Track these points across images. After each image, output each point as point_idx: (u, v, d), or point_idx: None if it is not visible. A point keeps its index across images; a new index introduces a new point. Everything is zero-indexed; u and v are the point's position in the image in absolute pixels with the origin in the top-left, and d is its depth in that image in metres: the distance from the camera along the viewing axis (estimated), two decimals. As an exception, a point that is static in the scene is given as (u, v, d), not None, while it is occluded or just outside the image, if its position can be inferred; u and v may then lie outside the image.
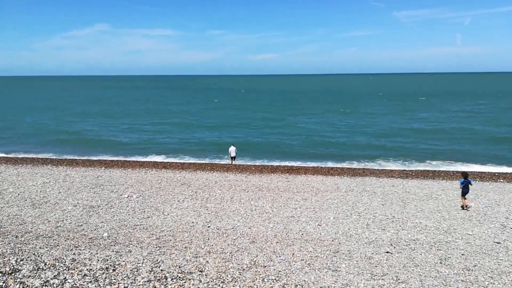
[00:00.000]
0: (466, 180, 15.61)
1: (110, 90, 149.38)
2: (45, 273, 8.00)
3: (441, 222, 13.80)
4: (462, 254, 10.81)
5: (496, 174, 23.26)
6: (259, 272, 9.17)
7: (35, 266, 8.28)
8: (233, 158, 27.05)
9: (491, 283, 9.04)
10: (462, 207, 15.58)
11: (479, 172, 24.32)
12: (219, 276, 8.73)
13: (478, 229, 13.09)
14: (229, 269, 9.22)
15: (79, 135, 41.53)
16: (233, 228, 12.84)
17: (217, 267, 9.33)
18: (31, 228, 12.30)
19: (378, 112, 61.14)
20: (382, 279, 9.07)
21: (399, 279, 9.08)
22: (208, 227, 12.96)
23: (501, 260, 10.47)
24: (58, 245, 10.47)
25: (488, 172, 24.11)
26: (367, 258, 10.42)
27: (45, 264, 8.54)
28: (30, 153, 31.79)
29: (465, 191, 15.49)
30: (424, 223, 13.66)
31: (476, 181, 20.20)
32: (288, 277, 8.97)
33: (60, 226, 12.69)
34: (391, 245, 11.50)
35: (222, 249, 10.79)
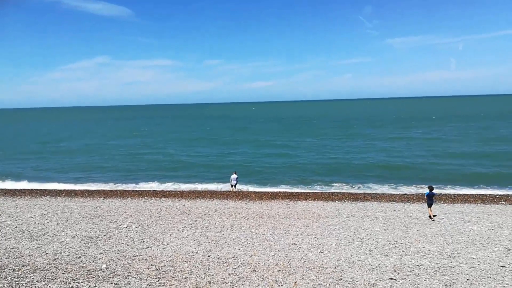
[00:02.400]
0: (431, 192, 17.61)
1: (104, 122, 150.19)
2: (42, 307, 7.82)
3: (444, 246, 13.63)
4: (467, 279, 10.63)
5: (498, 196, 23.15)
6: (261, 302, 8.98)
7: (32, 301, 8.10)
8: (233, 186, 26.96)
9: (498, 308, 8.86)
10: (430, 217, 17.45)
11: (480, 194, 24.21)
12: (220, 307, 8.55)
13: (482, 253, 12.92)
14: (230, 300, 9.03)
15: (79, 165, 41.47)
16: (233, 257, 12.65)
17: (218, 297, 9.14)
18: (29, 261, 12.10)
19: (375, 136, 61.40)
20: (387, 307, 8.87)
21: (404, 307, 8.89)
22: (208, 256, 12.77)
23: (506, 284, 10.29)
24: (56, 278, 10.28)
25: (490, 195, 23.99)
26: (371, 285, 10.24)
27: (43, 298, 8.35)
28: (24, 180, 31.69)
29: (429, 202, 17.57)
30: (427, 247, 13.49)
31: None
32: (291, 306, 8.78)
33: (58, 258, 12.49)
34: (395, 271, 11.31)
35: (223, 279, 10.59)
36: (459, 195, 24.07)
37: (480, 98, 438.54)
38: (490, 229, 15.70)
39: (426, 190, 18.10)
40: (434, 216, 17.74)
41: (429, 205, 17.62)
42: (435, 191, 18.38)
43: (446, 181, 29.16)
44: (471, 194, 24.28)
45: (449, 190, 26.46)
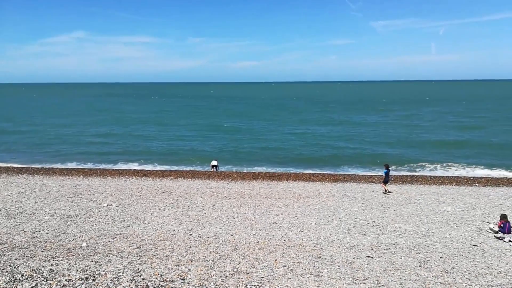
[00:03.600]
0: (387, 170, 19.62)
1: (86, 99, 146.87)
2: (22, 284, 7.77)
3: (419, 226, 14.08)
4: (441, 257, 11.05)
5: (472, 179, 23.92)
6: (242, 279, 9.14)
7: (11, 278, 8.03)
8: (214, 167, 27.00)
9: (468, 285, 9.27)
10: (384, 191, 19.40)
11: (455, 176, 24.96)
12: (201, 284, 8.66)
13: (455, 232, 13.41)
14: (211, 277, 9.16)
15: (55, 144, 40.58)
16: (215, 236, 12.77)
17: (199, 275, 9.26)
18: (6, 239, 11.92)
19: (356, 118, 62.12)
20: (364, 283, 9.18)
21: (380, 283, 9.21)
22: (190, 235, 12.85)
23: (477, 262, 10.75)
24: (35, 256, 10.18)
25: (464, 177, 24.77)
26: (349, 262, 10.53)
27: (22, 275, 8.29)
28: (2, 161, 30.90)
29: (386, 179, 19.59)
30: (403, 227, 13.91)
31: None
32: (271, 283, 8.97)
33: (36, 236, 12.35)
34: (372, 249, 11.66)
35: (204, 257, 10.71)
36: (435, 177, 24.76)
37: (461, 83, 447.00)
38: (463, 210, 16.28)
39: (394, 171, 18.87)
40: (389, 192, 19.48)
41: (385, 182, 19.64)
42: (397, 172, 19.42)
43: (422, 163, 29.90)
44: (446, 176, 25.01)
45: (426, 172, 27.17)
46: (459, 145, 37.97)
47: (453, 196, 18.84)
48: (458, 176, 25.09)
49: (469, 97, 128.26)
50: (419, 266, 10.38)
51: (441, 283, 9.33)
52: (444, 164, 29.70)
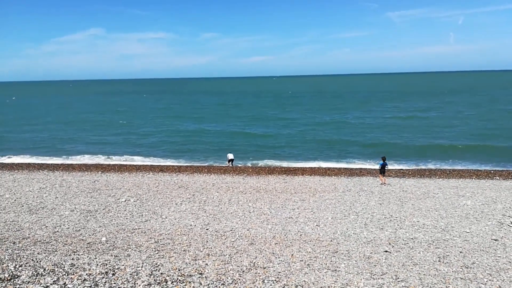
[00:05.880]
0: (384, 162, 19.81)
1: (97, 96, 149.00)
2: (44, 278, 7.96)
3: (438, 220, 13.86)
4: (460, 252, 10.86)
5: (492, 172, 23.42)
6: (259, 273, 9.17)
7: (34, 272, 8.22)
8: (230, 161, 27.13)
9: (489, 280, 9.09)
10: (382, 183, 19.75)
11: (475, 170, 24.47)
12: (219, 278, 8.72)
13: (475, 226, 13.16)
14: (229, 271, 9.21)
15: (74, 141, 41.36)
16: (231, 230, 12.84)
17: (216, 269, 9.32)
18: (29, 234, 12.23)
19: (371, 111, 61.34)
20: (382, 278, 9.09)
21: (398, 278, 9.11)
22: (207, 229, 12.95)
23: (499, 257, 10.53)
24: (56, 251, 10.42)
25: (484, 170, 24.27)
26: (366, 257, 10.45)
27: (44, 269, 8.48)
28: (25, 155, 31.67)
29: (382, 171, 19.93)
30: (421, 221, 13.72)
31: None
32: (288, 278, 8.97)
33: (57, 231, 12.63)
34: (390, 244, 11.54)
35: (221, 251, 10.77)
36: (454, 170, 24.33)
37: (481, 73, 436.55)
38: (484, 204, 15.95)
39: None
40: (384, 184, 19.84)
41: (382, 173, 20.01)
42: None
43: (443, 157, 29.38)
44: (466, 170, 24.54)
45: (445, 166, 26.70)
46: (484, 137, 37.13)
47: (473, 189, 18.48)
48: (478, 170, 24.59)
49: (491, 87, 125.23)
50: (439, 261, 10.22)
51: (461, 278, 9.17)
52: (463, 156, 29.13)
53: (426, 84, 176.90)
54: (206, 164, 28.39)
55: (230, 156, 27.36)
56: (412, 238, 12.02)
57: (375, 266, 9.85)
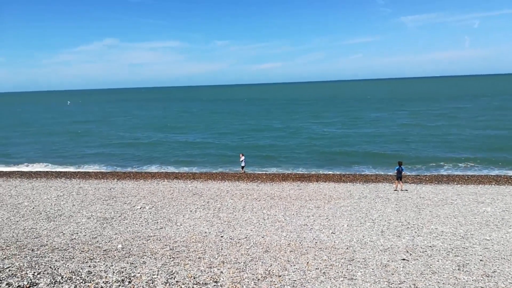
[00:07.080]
0: (400, 167, 19.48)
1: (110, 104, 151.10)
2: (62, 286, 8.04)
3: (457, 227, 13.57)
4: (481, 260, 10.59)
5: (512, 177, 22.86)
6: (274, 282, 9.09)
7: (52, 280, 8.32)
8: (243, 167, 27.15)
9: (512, 289, 8.83)
10: (397, 189, 19.44)
11: (494, 175, 23.92)
12: (234, 286, 8.68)
13: (496, 234, 12.83)
14: (244, 279, 9.16)
15: (93, 147, 42.00)
16: (246, 238, 12.79)
17: (232, 277, 9.28)
18: (47, 241, 12.41)
19: (387, 118, 60.71)
20: (400, 287, 8.92)
21: (417, 287, 8.92)
22: (221, 237, 12.93)
23: (521, 265, 10.23)
24: (73, 258, 10.54)
25: (504, 175, 23.71)
26: (383, 265, 10.27)
27: (62, 277, 8.58)
28: (41, 164, 32.26)
29: (398, 176, 19.48)
30: (440, 229, 13.45)
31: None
32: (304, 286, 8.88)
33: (75, 238, 12.79)
34: (407, 252, 11.33)
35: (236, 259, 10.74)
36: (473, 176, 23.83)
37: (498, 77, 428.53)
38: (504, 210, 15.56)
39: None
40: (401, 190, 19.44)
41: (398, 178, 19.59)
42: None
43: (460, 162, 28.81)
44: (485, 175, 24.02)
45: (463, 171, 26.16)
46: (500, 140, 36.34)
47: (493, 196, 18.05)
48: (497, 175, 24.04)
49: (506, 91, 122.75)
50: (458, 269, 9.98)
51: (481, 287, 8.94)
52: (483, 163, 28.50)
53: (441, 89, 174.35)
54: (219, 171, 28.43)
55: (242, 157, 27.35)
56: (430, 246, 11.78)
57: (393, 274, 9.67)
